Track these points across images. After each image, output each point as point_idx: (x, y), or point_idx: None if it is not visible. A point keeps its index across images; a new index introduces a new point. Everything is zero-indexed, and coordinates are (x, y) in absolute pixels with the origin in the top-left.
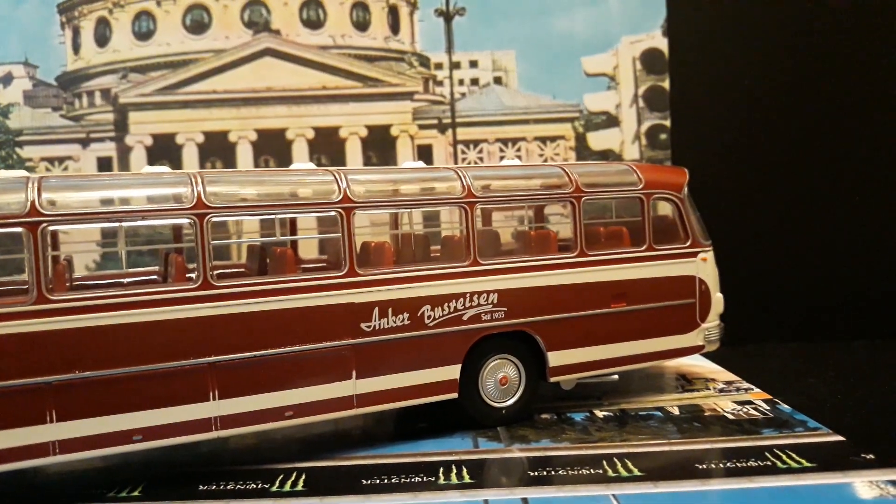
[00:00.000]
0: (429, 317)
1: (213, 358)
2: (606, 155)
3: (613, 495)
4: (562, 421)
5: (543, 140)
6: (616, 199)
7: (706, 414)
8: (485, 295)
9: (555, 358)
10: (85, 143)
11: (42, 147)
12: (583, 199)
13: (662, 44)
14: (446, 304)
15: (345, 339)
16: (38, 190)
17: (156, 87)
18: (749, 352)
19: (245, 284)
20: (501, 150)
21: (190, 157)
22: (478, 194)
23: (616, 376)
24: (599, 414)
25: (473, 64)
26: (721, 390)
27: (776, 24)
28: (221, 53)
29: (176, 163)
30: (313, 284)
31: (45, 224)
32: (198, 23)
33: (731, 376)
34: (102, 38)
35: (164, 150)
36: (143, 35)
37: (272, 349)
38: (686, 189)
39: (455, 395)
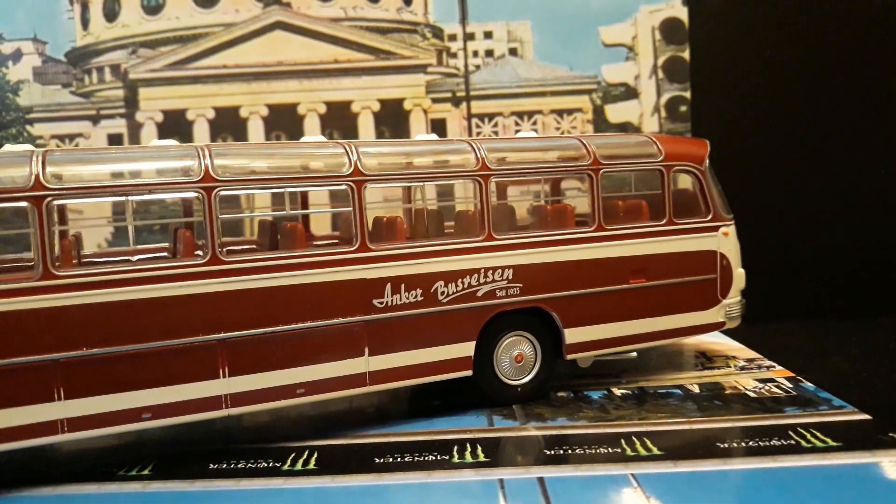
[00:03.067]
0: (442, 293)
1: (222, 335)
2: (625, 128)
3: (632, 475)
4: (579, 399)
5: (560, 113)
6: (635, 172)
7: (727, 392)
8: (499, 270)
9: (571, 335)
10: (95, 119)
11: (52, 124)
12: (601, 171)
13: (682, 13)
14: (460, 280)
15: (357, 316)
16: (43, 164)
17: (166, 62)
18: (769, 329)
19: (254, 259)
20: (517, 124)
21: (201, 132)
22: (492, 167)
23: (634, 353)
24: (617, 392)
25: (488, 35)
26: (742, 368)
27: None
28: (231, 27)
29: (187, 139)
30: (324, 260)
31: (49, 198)
32: None
33: (753, 353)
34: (111, 13)
35: (175, 126)
36: (152, 9)
37: (283, 325)
38: (707, 161)
39: (469, 373)
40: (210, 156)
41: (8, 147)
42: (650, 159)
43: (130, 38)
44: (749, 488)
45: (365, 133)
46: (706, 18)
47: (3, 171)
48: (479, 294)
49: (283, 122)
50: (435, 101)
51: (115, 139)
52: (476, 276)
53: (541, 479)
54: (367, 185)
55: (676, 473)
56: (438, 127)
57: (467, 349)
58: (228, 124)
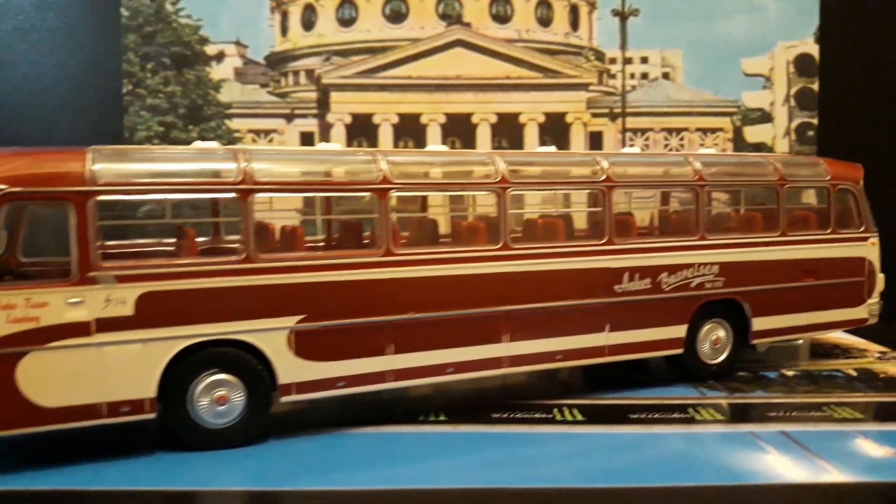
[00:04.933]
0: (665, 282)
1: (507, 307)
2: (760, 148)
3: (856, 430)
4: (758, 378)
5: (704, 131)
6: (802, 188)
7: (881, 375)
8: (709, 266)
9: (757, 323)
10: (289, 118)
11: (249, 120)
12: (786, 186)
13: (814, 49)
14: (679, 272)
15: (602, 298)
16: (388, 162)
17: (356, 70)
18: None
19: (535, 247)
20: (666, 139)
21: (385, 136)
22: (707, 179)
23: (801, 341)
24: (788, 373)
25: (644, 60)
26: (879, 357)
27: None
28: (417, 42)
29: (372, 141)
30: (581, 250)
31: (393, 190)
32: (396, 13)
33: (880, 347)
34: (308, 23)
35: (362, 129)
36: (346, 21)
37: (549, 303)
38: (862, 182)
39: (680, 351)
40: (504, 162)
41: (322, 144)
42: (820, 178)
43: (325, 47)
44: None
45: (530, 143)
46: (835, 56)
47: (360, 167)
48: (692, 285)
49: (459, 130)
50: (594, 115)
51: (306, 137)
52: (691, 269)
53: (783, 432)
54: (616, 190)
55: (891, 431)
56: (596, 139)
57: (681, 331)
58: (410, 130)
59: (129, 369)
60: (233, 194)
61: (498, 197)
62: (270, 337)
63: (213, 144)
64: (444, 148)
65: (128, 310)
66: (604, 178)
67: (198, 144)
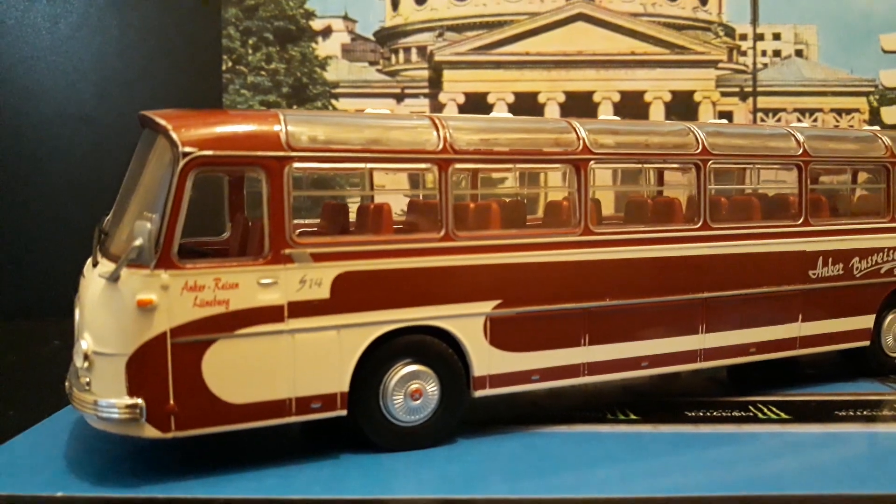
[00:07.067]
0: (857, 268)
1: (705, 294)
2: None
3: None
4: None
5: (839, 112)
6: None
7: None
8: None
9: None
10: (399, 98)
11: (357, 100)
12: None
13: None
14: (870, 257)
15: (796, 284)
16: (587, 132)
17: (470, 46)
18: None
19: (735, 227)
20: (798, 120)
21: None
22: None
23: None
24: None
25: (776, 36)
26: None
27: None
28: (536, 16)
29: None
30: (781, 231)
31: (592, 160)
32: None
33: None
34: None
35: (475, 109)
36: None
37: (749, 289)
38: None
39: (867, 343)
40: (706, 135)
41: (496, 113)
42: None
43: (438, 22)
44: None
45: None
46: None
47: (557, 136)
48: (882, 271)
49: (578, 109)
50: (723, 94)
51: None
52: (882, 254)
53: None
54: (811, 166)
55: None
56: (725, 119)
57: (869, 321)
58: (526, 109)
59: (323, 360)
60: (431, 164)
61: (697, 170)
62: (467, 323)
63: (387, 111)
64: (611, 119)
65: (324, 292)
66: (800, 152)
67: (371, 111)
